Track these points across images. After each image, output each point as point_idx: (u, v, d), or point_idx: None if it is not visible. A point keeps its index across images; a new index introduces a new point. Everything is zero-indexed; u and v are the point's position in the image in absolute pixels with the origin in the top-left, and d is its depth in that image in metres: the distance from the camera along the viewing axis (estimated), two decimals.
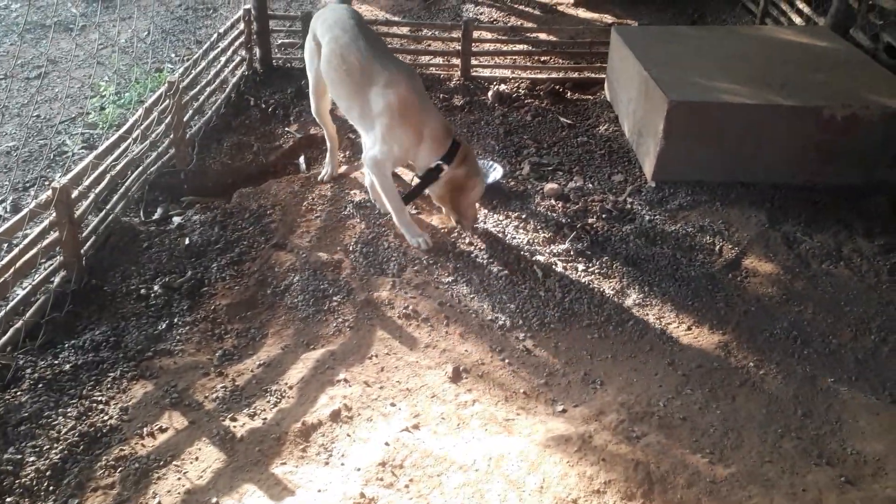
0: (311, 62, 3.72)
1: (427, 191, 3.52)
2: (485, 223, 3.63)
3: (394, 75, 3.29)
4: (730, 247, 3.46)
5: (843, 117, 3.71)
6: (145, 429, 2.48)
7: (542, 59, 5.48)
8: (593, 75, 5.16)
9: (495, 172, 3.97)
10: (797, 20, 5.42)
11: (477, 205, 3.58)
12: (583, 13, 6.66)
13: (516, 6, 6.78)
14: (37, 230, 2.95)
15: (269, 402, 2.62)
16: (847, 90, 3.86)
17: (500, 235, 3.55)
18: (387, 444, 2.42)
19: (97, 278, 3.21)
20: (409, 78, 3.34)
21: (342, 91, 3.46)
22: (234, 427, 2.49)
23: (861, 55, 4.40)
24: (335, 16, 3.55)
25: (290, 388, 2.68)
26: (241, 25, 5.00)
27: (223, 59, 4.74)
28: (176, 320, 3.04)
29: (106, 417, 2.52)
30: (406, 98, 3.26)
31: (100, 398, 2.60)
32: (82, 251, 3.21)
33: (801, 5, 5.41)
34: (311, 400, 2.61)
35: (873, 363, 2.86)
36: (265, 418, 2.55)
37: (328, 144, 3.98)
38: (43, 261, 3.03)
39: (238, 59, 5.04)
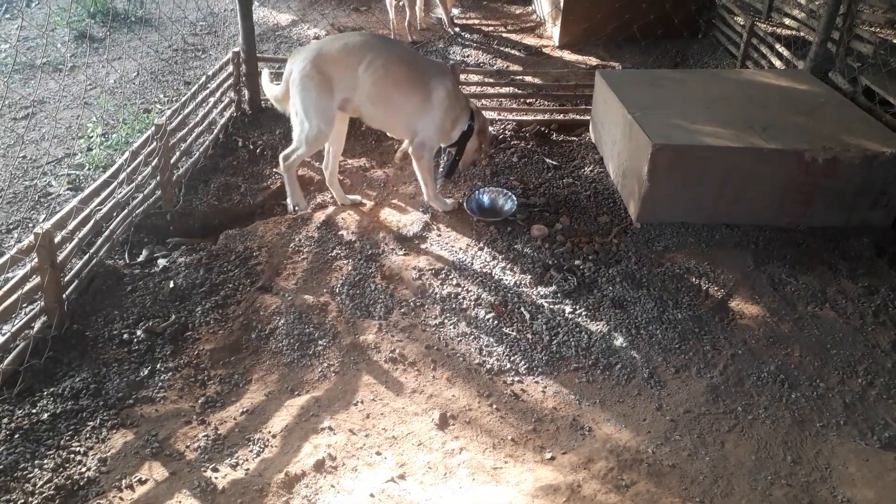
0: (321, 97, 3.71)
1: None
2: (472, 263, 3.63)
3: (442, 68, 3.98)
4: (716, 288, 3.47)
5: (824, 160, 3.76)
6: (124, 481, 2.42)
7: (528, 101, 5.54)
8: (578, 117, 5.22)
9: (511, 203, 4.06)
10: (777, 63, 5.54)
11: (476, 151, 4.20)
12: (567, 56, 6.78)
13: (502, 49, 6.90)
14: (18, 275, 2.91)
15: (251, 451, 2.57)
16: (827, 133, 3.92)
17: (487, 276, 3.54)
18: (372, 495, 2.38)
19: (79, 323, 3.17)
20: (450, 70, 4.02)
21: (399, 96, 3.81)
22: (216, 478, 2.44)
23: (840, 98, 4.48)
24: (366, 39, 3.84)
25: (274, 436, 2.63)
26: (230, 67, 5.04)
27: (212, 100, 4.77)
28: (158, 366, 2.99)
29: (84, 469, 2.46)
30: (455, 84, 3.92)
31: (78, 449, 2.54)
32: (64, 295, 3.17)
33: (781, 49, 5.53)
34: (295, 449, 2.57)
35: (861, 407, 2.86)
36: (248, 468, 2.49)
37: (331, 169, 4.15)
38: (24, 305, 2.99)
39: (227, 100, 5.07)
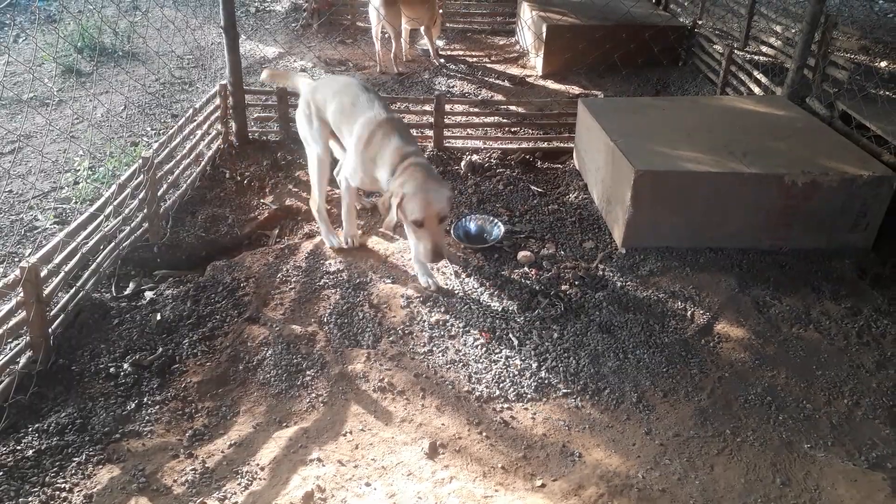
0: (311, 125, 3.93)
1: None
2: (463, 289, 3.65)
3: (378, 105, 3.64)
4: (701, 312, 3.50)
5: (803, 184, 3.83)
6: None
7: (513, 129, 5.62)
8: (562, 145, 5.30)
9: (497, 230, 4.10)
10: (756, 90, 5.66)
11: (439, 242, 3.23)
12: (551, 85, 6.89)
13: (487, 79, 7.00)
14: (3, 310, 2.89)
15: (239, 484, 2.54)
16: (806, 157, 4.00)
17: (475, 303, 3.56)
18: None
19: (65, 357, 3.14)
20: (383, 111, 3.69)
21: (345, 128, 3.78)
22: None
23: (818, 123, 4.58)
24: (347, 81, 3.91)
25: (262, 469, 2.61)
26: (218, 100, 5.07)
27: (199, 132, 4.80)
28: (145, 399, 2.96)
29: None
30: (390, 126, 3.54)
31: (63, 485, 2.51)
32: (50, 330, 3.14)
33: (760, 76, 5.66)
34: (284, 481, 2.55)
35: (848, 427, 2.88)
36: (236, 502, 2.47)
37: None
38: (9, 340, 2.97)
39: (214, 132, 5.10)
